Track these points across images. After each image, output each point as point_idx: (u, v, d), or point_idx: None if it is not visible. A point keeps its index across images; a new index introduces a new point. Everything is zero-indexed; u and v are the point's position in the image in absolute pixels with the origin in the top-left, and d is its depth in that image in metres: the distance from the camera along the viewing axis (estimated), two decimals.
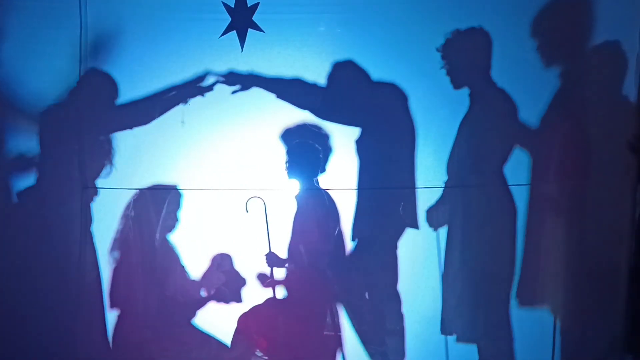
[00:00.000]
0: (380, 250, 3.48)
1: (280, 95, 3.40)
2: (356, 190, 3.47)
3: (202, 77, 3.39)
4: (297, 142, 3.46)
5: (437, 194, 3.43)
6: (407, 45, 3.35)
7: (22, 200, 3.38)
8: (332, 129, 3.47)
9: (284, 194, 3.49)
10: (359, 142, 3.47)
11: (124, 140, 3.43)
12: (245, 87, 3.39)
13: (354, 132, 3.47)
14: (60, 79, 3.36)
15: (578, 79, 3.29)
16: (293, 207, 3.49)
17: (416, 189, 3.44)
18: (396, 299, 3.46)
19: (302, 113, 3.44)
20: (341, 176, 3.51)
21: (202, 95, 3.40)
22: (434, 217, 3.44)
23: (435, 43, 3.34)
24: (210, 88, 3.40)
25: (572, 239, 3.29)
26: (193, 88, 3.39)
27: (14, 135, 3.36)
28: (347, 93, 3.43)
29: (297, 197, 3.50)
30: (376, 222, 3.47)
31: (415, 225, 3.46)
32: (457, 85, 3.38)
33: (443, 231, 3.44)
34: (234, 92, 3.39)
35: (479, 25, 3.32)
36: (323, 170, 3.50)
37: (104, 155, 3.43)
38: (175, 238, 3.55)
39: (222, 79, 3.39)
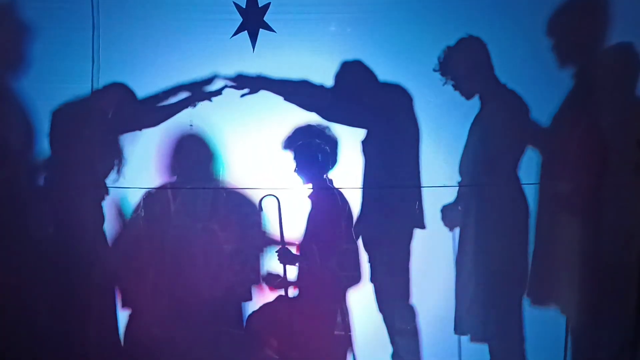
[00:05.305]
0: (389, 250, 3.48)
1: (288, 98, 3.40)
2: (361, 190, 3.47)
3: (210, 80, 3.40)
4: (299, 144, 3.46)
5: (445, 193, 3.44)
6: (418, 45, 3.36)
7: (33, 200, 3.38)
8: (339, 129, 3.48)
9: (295, 192, 3.50)
10: (365, 143, 3.47)
11: (133, 141, 3.44)
12: (253, 90, 3.40)
13: (361, 133, 3.47)
14: (72, 80, 3.36)
15: (591, 79, 3.30)
16: (307, 206, 3.49)
17: (422, 189, 3.44)
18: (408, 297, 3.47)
19: (310, 114, 3.44)
20: (350, 175, 3.51)
21: (210, 100, 3.40)
22: (449, 217, 3.45)
23: (449, 42, 3.36)
24: (218, 92, 3.40)
25: (583, 239, 3.28)
26: (201, 92, 3.40)
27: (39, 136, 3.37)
28: (354, 94, 3.43)
29: (310, 197, 3.50)
30: (381, 221, 3.47)
31: (421, 225, 3.46)
32: (467, 96, 3.40)
33: (457, 231, 3.45)
34: (242, 96, 3.40)
35: (469, 33, 3.35)
36: (334, 162, 3.50)
37: (114, 156, 3.43)
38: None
39: (230, 82, 3.40)
